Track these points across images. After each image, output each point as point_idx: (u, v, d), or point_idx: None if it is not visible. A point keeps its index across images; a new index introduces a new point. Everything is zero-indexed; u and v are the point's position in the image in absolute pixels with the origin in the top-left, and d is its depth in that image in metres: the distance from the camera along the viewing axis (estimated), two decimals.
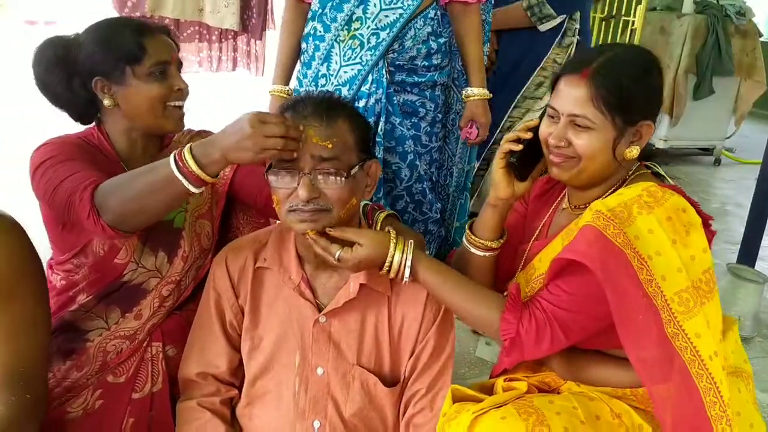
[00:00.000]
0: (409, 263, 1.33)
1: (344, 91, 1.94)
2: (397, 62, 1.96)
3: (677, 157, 5.81)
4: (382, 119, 1.94)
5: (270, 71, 4.22)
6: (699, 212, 1.26)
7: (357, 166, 1.32)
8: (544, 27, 2.77)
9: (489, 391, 1.45)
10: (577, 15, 2.78)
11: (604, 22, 4.97)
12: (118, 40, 1.50)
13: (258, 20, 4.25)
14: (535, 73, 2.82)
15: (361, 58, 1.93)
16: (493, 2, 2.48)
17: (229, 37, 4.32)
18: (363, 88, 1.93)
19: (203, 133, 1.70)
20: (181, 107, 1.58)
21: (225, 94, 6.08)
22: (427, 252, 1.59)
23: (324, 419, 1.40)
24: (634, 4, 4.75)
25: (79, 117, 1.60)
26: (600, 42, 4.89)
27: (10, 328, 1.22)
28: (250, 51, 4.42)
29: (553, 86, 1.36)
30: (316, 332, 1.40)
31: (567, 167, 1.33)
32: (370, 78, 1.93)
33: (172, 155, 1.29)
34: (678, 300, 1.18)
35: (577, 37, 2.79)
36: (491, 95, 2.09)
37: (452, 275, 1.37)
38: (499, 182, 1.41)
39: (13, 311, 1.22)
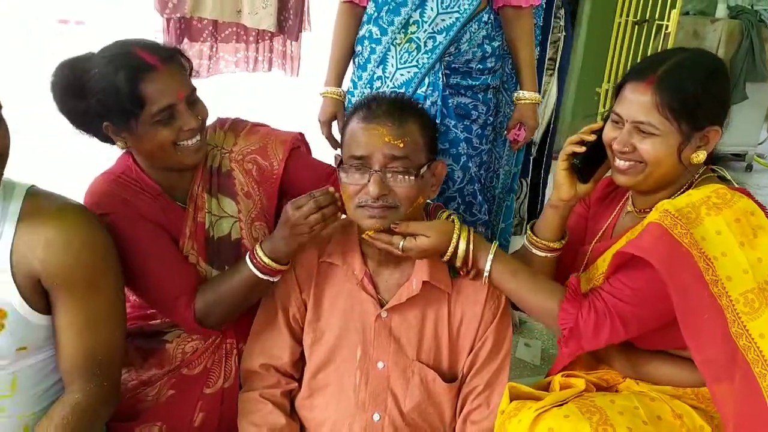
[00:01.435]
0: (471, 249, 1.37)
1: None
2: (453, 65, 1.99)
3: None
4: (438, 121, 1.96)
5: (304, 72, 4.26)
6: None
7: (425, 166, 1.35)
8: None
9: (545, 389, 1.46)
10: (561, 12, 2.79)
11: (636, 27, 4.96)
12: (117, 90, 1.40)
13: (294, 22, 4.28)
14: None
15: (417, 61, 1.95)
16: (544, 6, 2.50)
17: (266, 38, 4.36)
18: (419, 91, 1.96)
19: (237, 125, 1.70)
20: (196, 143, 1.51)
21: (260, 94, 6.16)
22: None
23: (384, 412, 1.43)
24: (668, 8, 4.73)
25: (103, 140, 1.56)
26: (633, 48, 4.89)
27: (92, 318, 1.27)
28: (286, 52, 4.45)
29: (617, 92, 1.38)
30: (378, 327, 1.43)
31: (633, 173, 1.34)
32: (426, 81, 1.95)
33: (249, 261, 1.45)
34: (743, 300, 1.19)
35: (563, 33, 2.80)
36: (542, 99, 2.11)
37: (516, 263, 1.40)
38: (561, 184, 1.43)
39: (96, 302, 1.27)
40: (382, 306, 1.44)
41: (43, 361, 1.30)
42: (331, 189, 1.39)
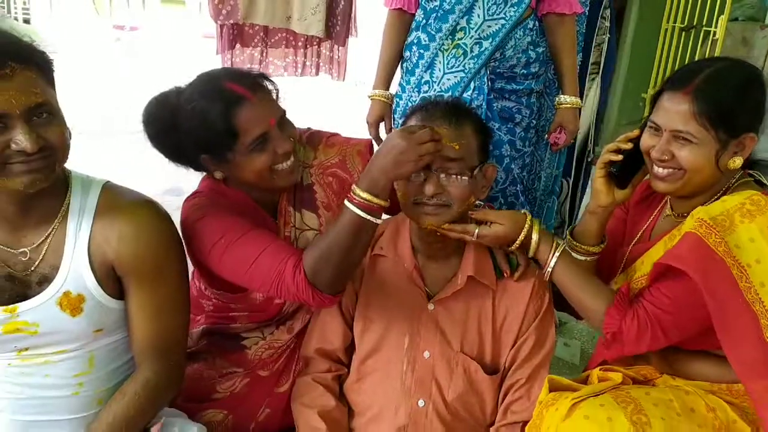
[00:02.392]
0: (541, 240, 1.46)
1: (447, 97, 2.05)
2: (498, 70, 2.06)
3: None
4: None
5: (350, 77, 4.35)
6: None
7: (478, 168, 1.43)
8: None
9: (583, 383, 1.52)
10: (608, 13, 2.80)
11: (684, 33, 4.93)
12: (211, 125, 1.44)
13: (342, 28, 4.38)
14: None
15: (464, 66, 2.04)
16: (587, 14, 2.54)
17: (314, 43, 4.46)
18: (465, 95, 2.04)
19: (314, 138, 1.73)
20: (291, 165, 1.54)
21: (307, 97, 6.32)
22: None
23: (428, 399, 1.51)
24: (715, 14, 4.69)
25: (199, 170, 1.62)
26: (679, 54, 4.86)
27: (160, 304, 1.38)
28: (333, 57, 4.55)
29: (654, 101, 1.43)
30: (425, 318, 1.51)
31: (672, 180, 1.39)
32: (472, 85, 2.04)
33: (348, 203, 1.36)
34: None
35: (608, 35, 2.82)
36: (582, 105, 2.17)
37: (575, 262, 1.48)
38: (599, 191, 1.49)
39: (163, 290, 1.38)
40: (429, 298, 1.52)
41: (117, 342, 1.41)
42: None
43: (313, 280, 1.40)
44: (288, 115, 1.58)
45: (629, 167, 1.47)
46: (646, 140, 1.42)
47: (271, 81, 1.57)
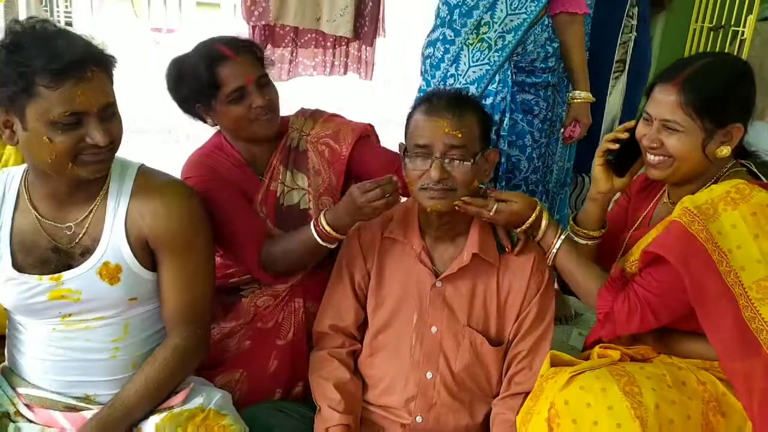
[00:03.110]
0: (545, 223, 1.59)
1: (472, 89, 2.18)
2: (520, 64, 2.19)
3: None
4: (507, 115, 2.16)
5: (378, 76, 4.45)
6: None
7: (480, 154, 1.54)
8: None
9: (585, 360, 1.60)
10: (634, 12, 2.85)
11: (712, 33, 4.92)
12: (199, 75, 1.73)
13: (370, 28, 4.47)
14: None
15: (489, 59, 2.16)
16: (592, 15, 2.62)
17: (342, 43, 4.55)
18: (490, 87, 2.16)
19: (317, 114, 1.96)
20: (267, 118, 1.78)
21: (336, 95, 6.45)
22: None
23: (436, 371, 1.61)
24: (744, 14, 4.69)
25: (203, 121, 1.88)
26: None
27: (188, 275, 1.50)
28: (361, 57, 4.64)
29: (648, 92, 1.51)
30: (433, 295, 1.61)
31: (663, 167, 1.48)
32: (497, 78, 2.16)
33: (312, 227, 1.66)
34: (756, 288, 1.33)
35: (634, 33, 2.87)
36: (594, 99, 2.27)
37: (576, 247, 1.59)
38: (598, 178, 1.59)
39: (192, 261, 1.50)
40: (437, 277, 1.62)
41: (150, 311, 1.53)
42: (394, 178, 1.58)
43: (265, 268, 1.76)
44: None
45: (628, 156, 1.56)
46: (640, 129, 1.51)
47: (260, 49, 1.85)
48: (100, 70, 1.33)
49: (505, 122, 2.18)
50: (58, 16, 11.12)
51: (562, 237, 1.57)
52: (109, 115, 1.36)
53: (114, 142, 1.38)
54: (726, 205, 1.36)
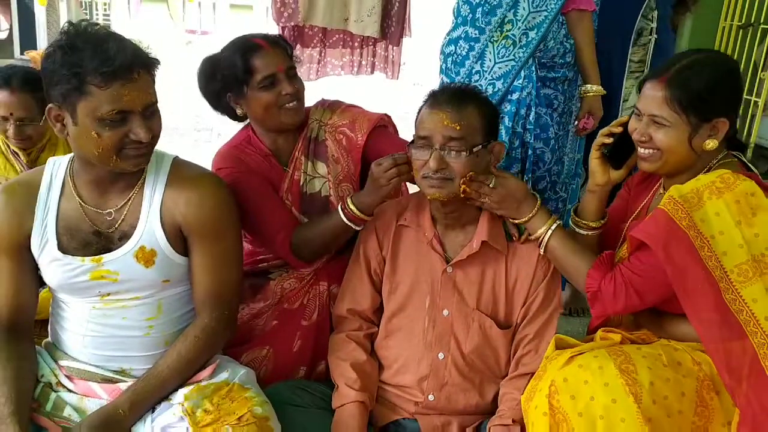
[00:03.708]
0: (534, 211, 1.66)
1: (498, 85, 2.29)
2: (542, 60, 2.30)
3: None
4: (533, 109, 2.26)
5: (407, 77, 4.52)
6: None
7: (480, 146, 1.62)
8: None
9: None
10: (653, 15, 2.90)
11: (741, 31, 4.90)
12: (234, 64, 1.87)
13: (397, 28, 4.55)
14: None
15: (514, 55, 2.26)
16: (598, 12, 2.70)
17: (370, 43, 4.64)
18: (516, 83, 2.26)
19: (335, 104, 2.09)
20: (294, 106, 1.92)
21: (362, 94, 6.57)
22: None
23: (447, 352, 1.70)
24: None
25: (233, 118, 2.03)
26: (737, 53, 4.83)
27: (217, 260, 1.62)
28: (388, 56, 4.72)
29: (639, 88, 1.59)
30: (444, 280, 1.71)
31: (653, 160, 1.55)
32: (522, 74, 2.26)
33: (340, 210, 1.78)
34: (737, 271, 1.40)
35: (654, 36, 2.91)
36: (605, 92, 2.37)
37: (568, 236, 1.66)
38: (595, 171, 1.67)
39: (221, 248, 1.62)
40: (448, 263, 1.71)
41: (181, 293, 1.65)
42: (408, 154, 1.68)
43: (296, 252, 1.87)
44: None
45: (623, 150, 1.63)
46: (632, 124, 1.59)
47: (289, 45, 1.99)
48: (145, 72, 1.46)
49: (531, 116, 2.30)
50: (97, 18, 11.44)
51: (553, 227, 1.63)
52: (151, 114, 1.49)
53: (154, 138, 1.51)
54: (711, 194, 1.43)
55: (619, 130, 1.64)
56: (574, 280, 1.65)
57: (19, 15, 9.68)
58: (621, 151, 1.63)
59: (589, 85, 2.37)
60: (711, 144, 1.51)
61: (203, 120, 6.83)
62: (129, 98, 1.42)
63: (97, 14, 11.46)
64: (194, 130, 6.69)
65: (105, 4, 11.41)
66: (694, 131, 1.50)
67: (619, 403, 1.38)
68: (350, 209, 1.77)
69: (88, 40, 1.42)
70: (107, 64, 1.39)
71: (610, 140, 1.64)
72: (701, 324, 1.43)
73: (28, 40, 9.26)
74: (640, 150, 1.57)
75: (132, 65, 1.42)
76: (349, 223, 1.79)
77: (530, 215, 1.64)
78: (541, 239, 1.64)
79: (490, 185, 1.63)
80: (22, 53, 8.53)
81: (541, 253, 1.67)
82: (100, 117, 1.42)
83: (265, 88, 1.88)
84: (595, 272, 1.56)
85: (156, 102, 1.51)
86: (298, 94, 1.94)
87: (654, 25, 2.95)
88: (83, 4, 11.06)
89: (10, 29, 9.75)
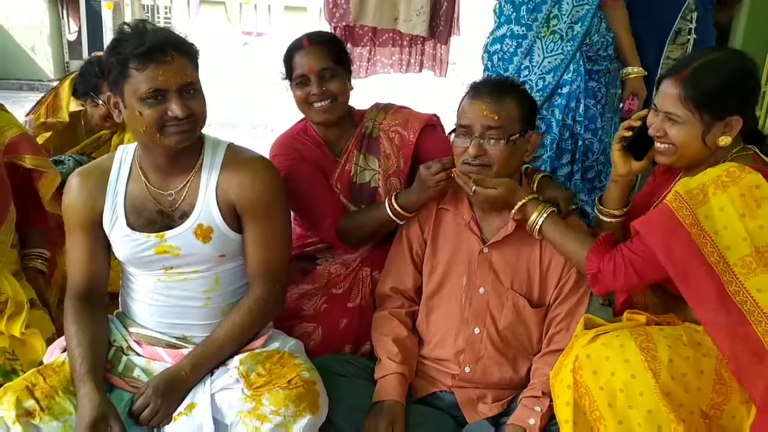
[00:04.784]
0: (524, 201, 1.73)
1: (548, 78, 2.38)
2: (588, 54, 2.39)
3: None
4: (582, 102, 2.34)
5: (452, 73, 4.59)
6: None
7: (517, 135, 1.71)
8: None
9: None
10: (692, 16, 2.91)
11: None
12: (285, 57, 2.04)
13: (445, 27, 4.62)
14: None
15: (562, 49, 2.35)
16: (635, 13, 2.75)
17: (418, 42, 4.72)
18: (565, 77, 2.36)
19: (388, 107, 2.21)
20: (322, 107, 2.03)
21: (411, 92, 6.68)
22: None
23: (483, 328, 1.80)
24: None
25: None
26: None
27: (268, 238, 1.75)
28: (436, 55, 4.79)
29: (658, 84, 1.65)
30: (480, 260, 1.81)
31: (668, 154, 1.61)
32: (571, 67, 2.36)
33: (386, 205, 1.91)
34: (741, 264, 1.45)
35: (694, 36, 2.93)
36: (646, 73, 2.46)
37: (563, 223, 1.72)
38: (616, 162, 1.74)
39: (271, 226, 1.75)
40: (484, 243, 1.81)
41: (236, 267, 1.79)
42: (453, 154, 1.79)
43: (341, 238, 2.00)
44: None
45: (644, 142, 1.69)
46: (649, 119, 1.65)
47: (339, 44, 2.12)
48: (180, 55, 1.60)
49: (580, 108, 2.38)
50: (158, 21, 11.86)
51: (545, 214, 1.71)
52: (188, 93, 1.62)
53: (193, 116, 1.63)
54: (716, 189, 1.47)
55: (639, 123, 1.70)
56: (574, 263, 1.73)
57: (88, 18, 10.19)
58: (642, 143, 1.70)
59: (630, 68, 2.45)
60: (724, 141, 1.56)
61: (258, 117, 7.07)
62: (164, 78, 1.56)
63: (158, 17, 11.91)
64: (250, 127, 6.92)
65: (166, 8, 11.85)
66: (707, 129, 1.55)
67: (638, 378, 1.45)
68: (394, 206, 1.89)
69: (132, 33, 1.59)
70: (142, 46, 1.54)
71: (628, 133, 1.71)
72: (705, 312, 1.49)
73: (96, 42, 9.75)
74: (657, 144, 1.63)
75: (164, 46, 1.56)
76: (393, 218, 1.91)
77: (524, 201, 1.72)
78: (534, 224, 1.72)
79: (472, 191, 1.71)
80: (89, 54, 8.96)
81: (536, 237, 1.74)
82: (140, 96, 1.57)
83: (299, 85, 2.04)
84: (594, 254, 1.63)
85: (193, 83, 1.63)
86: (328, 94, 2.03)
87: (693, 25, 2.98)
88: (146, 7, 11.52)
89: (79, 31, 10.27)
